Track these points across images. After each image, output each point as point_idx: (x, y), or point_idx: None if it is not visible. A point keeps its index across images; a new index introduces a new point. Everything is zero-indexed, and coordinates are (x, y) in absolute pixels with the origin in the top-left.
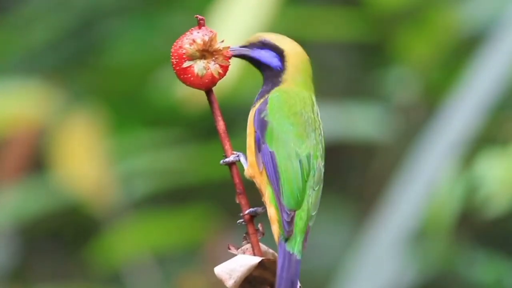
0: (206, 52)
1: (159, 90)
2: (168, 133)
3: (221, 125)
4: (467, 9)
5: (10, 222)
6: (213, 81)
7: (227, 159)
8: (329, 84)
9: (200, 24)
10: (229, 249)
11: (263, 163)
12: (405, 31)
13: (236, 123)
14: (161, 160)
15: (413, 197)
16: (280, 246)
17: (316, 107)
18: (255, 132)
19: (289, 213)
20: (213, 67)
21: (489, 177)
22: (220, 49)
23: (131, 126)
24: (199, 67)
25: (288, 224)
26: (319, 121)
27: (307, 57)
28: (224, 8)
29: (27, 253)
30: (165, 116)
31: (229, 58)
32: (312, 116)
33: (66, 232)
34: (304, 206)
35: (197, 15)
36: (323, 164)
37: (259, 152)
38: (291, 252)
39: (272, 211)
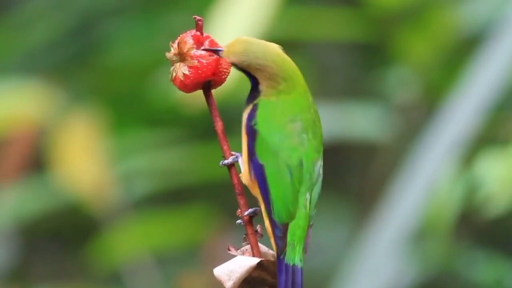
0: (182, 55)
1: (159, 90)
2: (168, 133)
3: (219, 125)
4: (467, 9)
5: (10, 222)
6: (185, 83)
7: (226, 161)
8: (329, 84)
9: (198, 25)
10: (229, 250)
11: (255, 174)
12: (405, 31)
13: (235, 123)
14: (161, 160)
15: (413, 197)
16: (279, 261)
17: (308, 96)
18: (248, 138)
19: (281, 228)
20: (181, 69)
21: (489, 177)
22: (186, 51)
23: (131, 126)
24: (170, 71)
25: (280, 240)
26: (313, 113)
27: (279, 55)
28: (225, 8)
29: (27, 253)
30: (165, 116)
31: (194, 57)
32: (306, 116)
33: (66, 232)
34: (301, 213)
35: (195, 16)
36: (320, 161)
37: (251, 161)
38: (291, 264)
39: (268, 224)
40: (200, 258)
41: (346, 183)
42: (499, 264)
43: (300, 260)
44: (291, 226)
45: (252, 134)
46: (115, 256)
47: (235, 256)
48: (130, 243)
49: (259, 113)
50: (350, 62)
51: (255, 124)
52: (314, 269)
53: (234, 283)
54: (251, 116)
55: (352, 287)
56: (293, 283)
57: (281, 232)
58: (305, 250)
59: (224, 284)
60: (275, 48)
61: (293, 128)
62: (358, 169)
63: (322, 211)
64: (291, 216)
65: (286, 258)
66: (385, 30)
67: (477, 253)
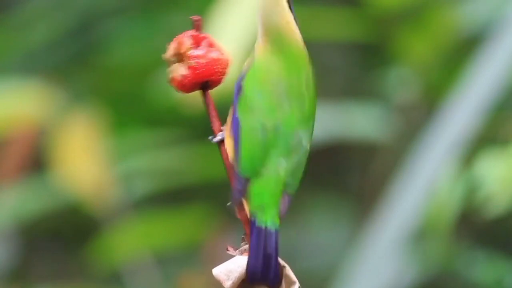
0: (179, 56)
1: (159, 90)
2: (168, 133)
3: (217, 125)
4: (467, 9)
5: (10, 222)
6: (183, 83)
7: (216, 138)
8: (329, 84)
9: (196, 25)
10: (228, 250)
11: (232, 129)
12: (405, 31)
13: None
14: (161, 160)
15: (413, 197)
16: (251, 224)
17: (303, 73)
18: (235, 94)
19: (242, 181)
20: (179, 70)
21: (489, 177)
22: (183, 52)
23: (131, 126)
24: (166, 72)
25: (239, 193)
26: (304, 88)
27: (283, 27)
28: (225, 8)
29: (27, 253)
30: (165, 116)
31: (194, 57)
32: (294, 86)
33: (66, 232)
34: (271, 176)
35: (193, 16)
36: (305, 134)
37: (233, 116)
38: (263, 227)
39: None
40: (200, 258)
41: (346, 183)
42: (499, 264)
43: (273, 223)
44: (256, 187)
45: (238, 90)
46: (115, 256)
47: (234, 256)
48: (130, 243)
49: (249, 72)
50: (350, 62)
51: (242, 80)
52: (314, 269)
53: (233, 283)
54: (241, 75)
55: (352, 287)
56: (265, 246)
57: (240, 186)
58: (279, 215)
59: (223, 284)
60: (289, 24)
61: (275, 90)
62: (358, 169)
63: (322, 211)
64: (254, 173)
65: (257, 221)
66: (385, 30)
67: (477, 253)
